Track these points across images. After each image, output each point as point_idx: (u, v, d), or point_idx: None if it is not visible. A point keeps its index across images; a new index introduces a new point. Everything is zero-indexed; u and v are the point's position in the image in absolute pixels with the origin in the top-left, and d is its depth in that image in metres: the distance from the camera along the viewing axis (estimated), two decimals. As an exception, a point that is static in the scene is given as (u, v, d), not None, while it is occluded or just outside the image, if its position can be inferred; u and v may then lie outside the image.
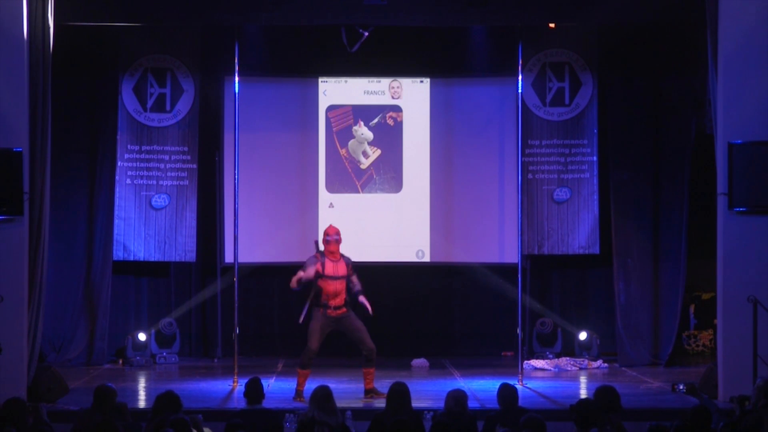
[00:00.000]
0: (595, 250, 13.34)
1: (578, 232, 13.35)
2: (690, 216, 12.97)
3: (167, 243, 13.28)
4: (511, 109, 13.15)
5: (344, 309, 10.57)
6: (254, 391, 7.91)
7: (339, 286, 10.53)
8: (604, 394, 7.30)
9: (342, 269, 10.62)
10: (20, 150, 10.21)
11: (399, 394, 7.56)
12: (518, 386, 10.74)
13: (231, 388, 11.06)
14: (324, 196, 13.73)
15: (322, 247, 10.69)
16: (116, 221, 13.16)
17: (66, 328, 12.98)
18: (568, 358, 13.09)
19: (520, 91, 11.88)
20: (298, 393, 10.41)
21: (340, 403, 7.42)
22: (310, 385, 7.64)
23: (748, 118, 10.39)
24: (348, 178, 13.76)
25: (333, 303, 10.50)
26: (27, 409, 7.34)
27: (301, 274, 10.48)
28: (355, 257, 13.66)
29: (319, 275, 10.47)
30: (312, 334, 10.51)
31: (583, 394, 10.97)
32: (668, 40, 12.91)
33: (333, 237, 10.62)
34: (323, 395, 7.28)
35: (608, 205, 13.21)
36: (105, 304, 13.03)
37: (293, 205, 13.74)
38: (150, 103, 13.30)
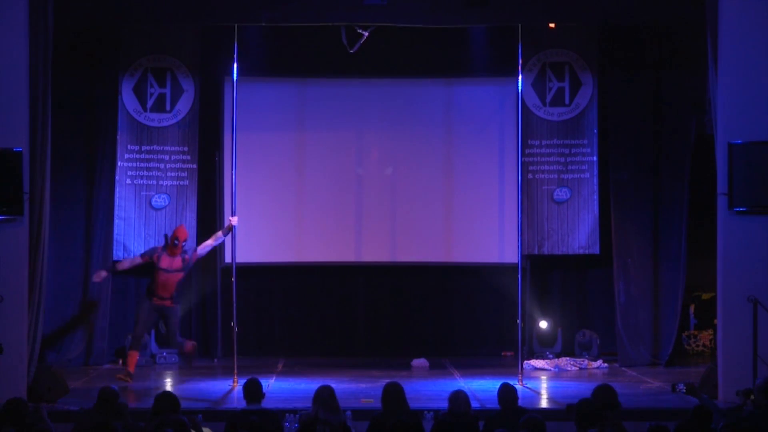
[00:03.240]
0: (595, 250, 13.35)
1: (578, 232, 13.35)
2: (690, 216, 12.97)
3: (167, 243, 13.27)
4: (511, 109, 13.15)
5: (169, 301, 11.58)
6: (253, 391, 7.91)
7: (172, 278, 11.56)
8: (601, 393, 7.31)
9: (177, 264, 11.60)
10: (20, 150, 10.21)
11: (394, 394, 7.56)
12: (518, 386, 10.74)
13: (231, 388, 11.05)
14: (324, 195, 13.72)
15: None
16: (116, 221, 13.16)
17: (66, 328, 12.97)
18: (568, 358, 13.09)
19: (520, 91, 11.88)
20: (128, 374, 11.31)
21: (340, 403, 7.43)
22: (312, 385, 7.63)
23: (748, 118, 10.39)
24: (348, 178, 13.75)
25: (161, 293, 11.51)
26: (27, 409, 7.34)
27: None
28: (355, 257, 13.76)
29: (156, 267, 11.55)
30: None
31: (583, 394, 10.94)
32: (668, 40, 12.92)
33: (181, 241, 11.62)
34: (327, 394, 7.31)
35: (608, 205, 13.21)
36: (105, 304, 13.03)
37: (293, 205, 13.74)
38: (150, 103, 13.30)
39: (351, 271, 13.93)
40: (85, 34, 12.20)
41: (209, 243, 11.84)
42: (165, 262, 11.54)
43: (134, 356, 11.54)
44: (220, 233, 11.87)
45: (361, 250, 13.75)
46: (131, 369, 11.40)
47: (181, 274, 11.62)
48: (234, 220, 11.57)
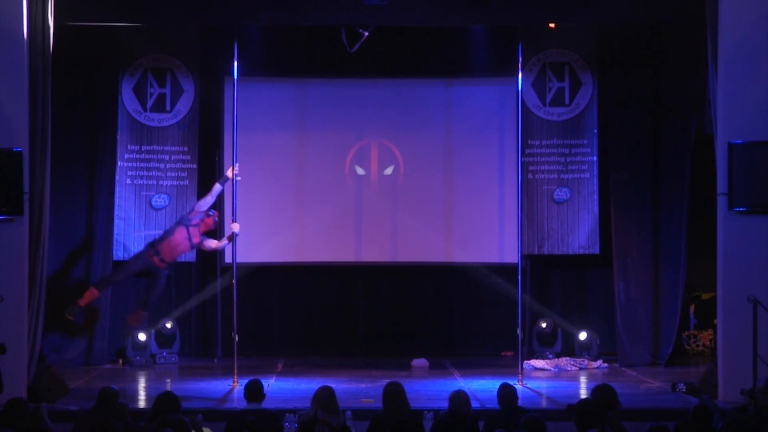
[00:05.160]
0: (595, 250, 13.35)
1: (578, 232, 13.35)
2: (690, 216, 12.97)
3: (167, 243, 13.26)
4: (511, 109, 13.15)
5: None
6: (254, 391, 7.91)
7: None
8: (601, 393, 7.31)
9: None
10: (20, 150, 10.21)
11: (395, 395, 7.56)
12: (518, 386, 10.74)
13: (231, 388, 11.05)
14: (324, 195, 13.72)
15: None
16: (116, 221, 13.16)
17: (66, 328, 12.96)
18: (568, 358, 13.09)
19: (520, 91, 11.87)
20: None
21: (340, 404, 7.43)
22: (312, 385, 7.63)
23: (748, 118, 10.40)
24: (348, 178, 13.76)
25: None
26: (27, 409, 7.34)
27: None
28: (355, 257, 13.76)
29: None
30: None
31: (583, 394, 10.96)
32: (668, 40, 12.92)
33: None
34: (327, 395, 7.31)
35: (608, 205, 13.21)
36: (105, 304, 13.02)
37: (292, 205, 13.74)
38: (150, 103, 13.30)
39: (351, 271, 13.93)
40: (85, 34, 12.20)
41: (208, 200, 11.91)
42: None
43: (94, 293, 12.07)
44: (217, 185, 11.92)
45: (361, 250, 13.74)
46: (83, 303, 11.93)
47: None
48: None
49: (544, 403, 10.47)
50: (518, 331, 11.58)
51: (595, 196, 13.35)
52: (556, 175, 13.39)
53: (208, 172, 13.54)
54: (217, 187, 11.89)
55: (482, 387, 10.98)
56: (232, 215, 11.66)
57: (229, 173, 11.69)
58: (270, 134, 13.67)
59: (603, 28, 13.02)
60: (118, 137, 13.19)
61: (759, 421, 6.90)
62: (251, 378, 8.08)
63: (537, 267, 13.71)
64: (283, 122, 13.72)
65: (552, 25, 12.66)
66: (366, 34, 11.91)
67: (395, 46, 13.36)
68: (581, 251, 13.39)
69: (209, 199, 11.89)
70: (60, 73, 11.48)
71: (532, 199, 13.33)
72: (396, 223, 13.71)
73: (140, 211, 13.25)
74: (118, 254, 13.17)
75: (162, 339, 13.34)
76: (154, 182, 13.30)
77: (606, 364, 12.97)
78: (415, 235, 13.70)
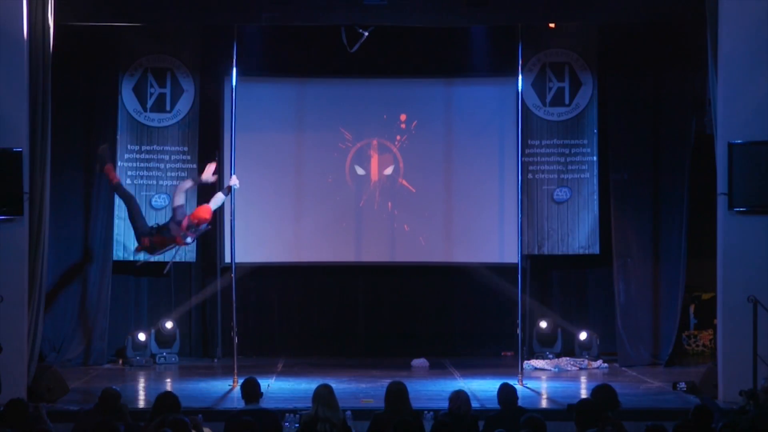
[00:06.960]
0: (595, 250, 13.35)
1: (578, 232, 13.34)
2: (690, 216, 12.97)
3: (167, 243, 13.25)
4: (511, 109, 13.14)
5: None
6: (250, 391, 7.91)
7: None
8: (601, 393, 7.32)
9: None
10: (20, 150, 10.21)
11: (397, 394, 7.56)
12: (518, 386, 10.74)
13: (231, 388, 11.05)
14: (324, 195, 13.72)
15: None
16: (116, 221, 13.15)
17: (66, 328, 12.97)
18: (568, 358, 13.09)
19: (520, 91, 11.87)
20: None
21: (340, 404, 7.44)
22: (312, 386, 7.65)
23: (748, 118, 10.39)
24: (348, 178, 13.75)
25: None
26: (27, 409, 7.35)
27: None
28: (355, 257, 13.75)
29: None
30: None
31: (583, 394, 10.96)
32: (668, 40, 12.92)
33: None
34: (326, 392, 7.34)
35: (608, 205, 13.22)
36: (105, 304, 13.02)
37: (293, 205, 13.74)
38: (150, 103, 13.30)
39: (351, 271, 13.92)
40: (85, 34, 12.20)
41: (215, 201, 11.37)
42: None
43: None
44: (220, 194, 11.32)
45: (361, 250, 13.75)
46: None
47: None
48: (234, 181, 11.27)
49: (544, 403, 10.47)
50: (518, 331, 11.59)
51: (595, 196, 13.35)
52: (556, 175, 13.38)
53: (208, 172, 13.54)
54: (221, 196, 11.35)
55: (482, 387, 10.97)
56: (231, 214, 11.61)
57: (231, 182, 11.38)
58: (270, 134, 13.67)
59: (603, 28, 13.02)
60: (118, 137, 13.19)
61: (759, 421, 6.91)
62: (246, 377, 8.08)
63: (537, 267, 13.71)
64: (283, 122, 13.72)
65: (552, 25, 12.68)
66: (366, 34, 11.91)
67: (395, 46, 13.36)
68: (581, 251, 13.39)
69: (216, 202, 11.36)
70: (60, 73, 11.47)
71: (532, 199, 13.32)
72: (396, 223, 13.71)
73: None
74: (118, 254, 13.16)
75: (162, 339, 13.34)
76: (154, 182, 13.29)
77: (606, 364, 12.97)
78: (415, 235, 13.71)
